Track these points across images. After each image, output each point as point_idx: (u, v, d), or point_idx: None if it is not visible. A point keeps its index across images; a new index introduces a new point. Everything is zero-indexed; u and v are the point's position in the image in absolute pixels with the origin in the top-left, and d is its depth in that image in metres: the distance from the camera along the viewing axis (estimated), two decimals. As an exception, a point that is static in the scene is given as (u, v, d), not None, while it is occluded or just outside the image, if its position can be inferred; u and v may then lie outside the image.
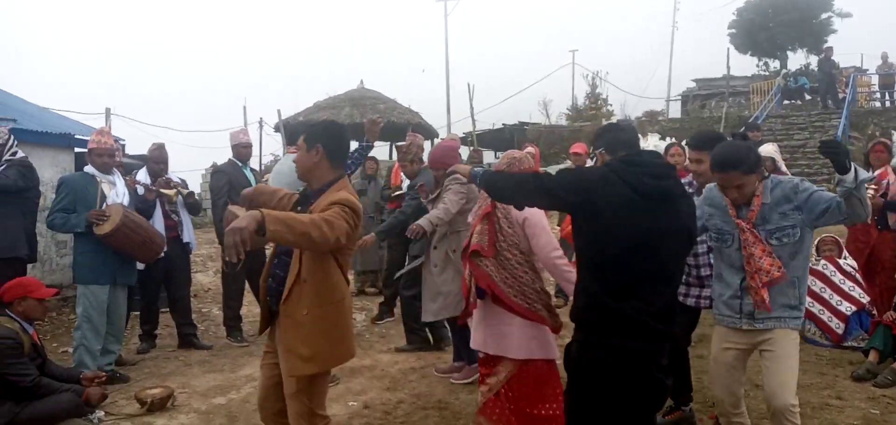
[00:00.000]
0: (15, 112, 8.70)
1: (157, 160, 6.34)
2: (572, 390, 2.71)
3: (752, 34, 29.52)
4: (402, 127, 17.96)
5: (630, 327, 2.51)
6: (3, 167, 5.45)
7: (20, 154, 5.61)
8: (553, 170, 3.17)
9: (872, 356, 5.21)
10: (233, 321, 6.77)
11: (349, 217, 2.84)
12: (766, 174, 3.23)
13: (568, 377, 2.74)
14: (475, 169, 3.34)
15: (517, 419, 3.53)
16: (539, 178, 2.73)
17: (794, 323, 3.19)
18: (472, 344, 3.80)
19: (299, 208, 3.12)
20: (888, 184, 5.80)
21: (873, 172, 5.83)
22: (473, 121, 21.52)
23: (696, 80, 27.69)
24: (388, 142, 21.00)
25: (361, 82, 21.15)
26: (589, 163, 4.42)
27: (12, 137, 5.67)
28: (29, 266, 5.76)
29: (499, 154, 24.66)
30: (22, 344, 4.25)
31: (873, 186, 5.47)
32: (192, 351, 6.42)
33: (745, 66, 28.14)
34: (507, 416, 3.53)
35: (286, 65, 68.77)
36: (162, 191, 6.05)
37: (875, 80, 21.89)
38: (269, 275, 3.14)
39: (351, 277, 4.51)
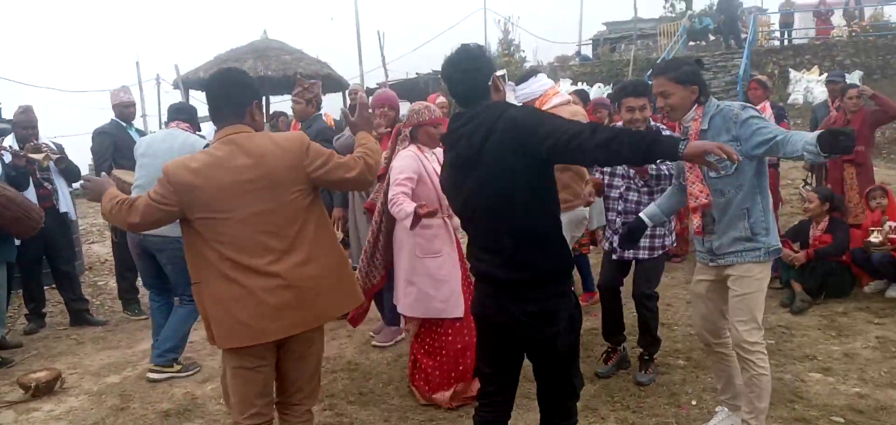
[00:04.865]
0: None
1: (24, 125, 5.83)
2: None
3: (659, -26, 29.92)
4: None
5: (479, 277, 2.72)
6: None
7: None
8: None
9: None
10: (129, 293, 6.39)
11: None
12: (704, 100, 3.16)
13: None
14: None
15: None
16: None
17: (751, 256, 3.14)
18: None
19: None
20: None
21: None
22: (386, 70, 21.02)
23: (606, 24, 27.96)
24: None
25: (265, 32, 20.16)
26: None
27: None
28: None
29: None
30: None
31: None
32: (86, 329, 6.05)
33: (654, 8, 28.58)
34: None
35: (182, 15, 64.57)
36: (30, 155, 5.53)
37: (775, 19, 22.69)
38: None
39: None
